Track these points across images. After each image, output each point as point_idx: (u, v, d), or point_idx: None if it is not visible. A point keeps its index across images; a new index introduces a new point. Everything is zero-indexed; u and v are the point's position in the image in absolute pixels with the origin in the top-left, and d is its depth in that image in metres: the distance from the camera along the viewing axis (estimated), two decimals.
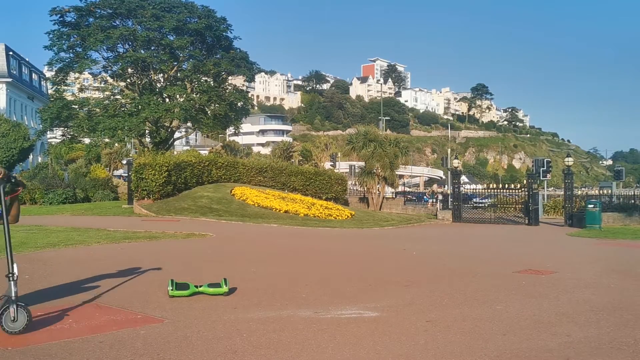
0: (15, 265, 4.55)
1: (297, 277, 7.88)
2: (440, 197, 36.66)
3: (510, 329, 4.97)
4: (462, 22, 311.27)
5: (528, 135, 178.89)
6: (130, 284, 6.93)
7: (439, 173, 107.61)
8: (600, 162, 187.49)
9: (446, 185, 58.40)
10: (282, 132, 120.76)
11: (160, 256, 9.68)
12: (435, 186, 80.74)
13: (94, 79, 36.56)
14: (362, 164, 34.91)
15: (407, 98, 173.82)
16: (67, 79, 32.04)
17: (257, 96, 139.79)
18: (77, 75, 32.28)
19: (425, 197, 48.08)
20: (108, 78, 34.47)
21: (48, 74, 43.60)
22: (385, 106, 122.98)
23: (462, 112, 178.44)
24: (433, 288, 7.08)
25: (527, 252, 12.15)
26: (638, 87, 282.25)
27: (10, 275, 4.49)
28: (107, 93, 32.88)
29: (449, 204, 27.65)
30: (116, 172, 47.98)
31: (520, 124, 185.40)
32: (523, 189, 25.31)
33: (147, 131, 33.04)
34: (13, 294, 4.42)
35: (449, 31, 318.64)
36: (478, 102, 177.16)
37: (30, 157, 43.46)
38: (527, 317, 5.48)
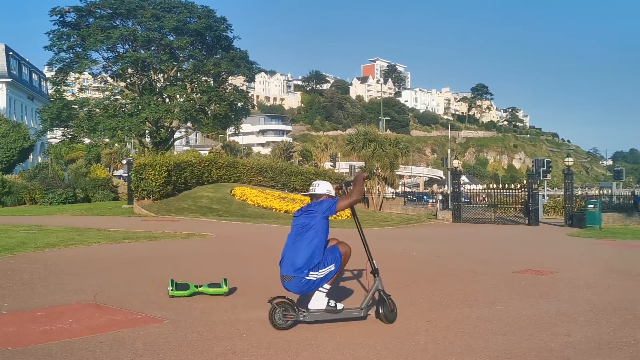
0: (374, 262, 5.25)
1: None
2: (440, 197, 36.64)
3: (511, 329, 4.97)
4: (462, 22, 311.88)
5: (528, 136, 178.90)
6: (130, 284, 6.93)
7: (439, 173, 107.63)
8: (600, 162, 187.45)
9: (446, 185, 58.38)
10: (282, 132, 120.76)
11: (160, 256, 9.68)
12: (435, 186, 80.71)
13: (94, 79, 36.60)
14: (362, 164, 34.91)
15: (407, 98, 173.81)
16: (67, 79, 32.08)
17: (257, 96, 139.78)
18: (77, 75, 32.30)
19: (425, 197, 48.09)
20: (108, 78, 34.51)
21: (48, 74, 43.60)
22: (385, 106, 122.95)
23: (462, 112, 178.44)
24: (433, 288, 7.07)
25: (527, 252, 12.14)
26: (638, 87, 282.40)
27: (375, 270, 5.22)
28: (107, 93, 32.89)
29: (449, 204, 27.63)
30: (116, 172, 47.97)
31: (520, 124, 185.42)
32: (523, 189, 25.29)
33: (147, 131, 33.06)
34: (382, 287, 5.15)
35: (449, 31, 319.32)
36: (478, 102, 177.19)
37: (30, 157, 43.46)
38: (527, 317, 5.48)
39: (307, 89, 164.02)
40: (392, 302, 5.12)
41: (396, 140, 35.43)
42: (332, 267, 4.99)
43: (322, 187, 5.28)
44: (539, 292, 6.86)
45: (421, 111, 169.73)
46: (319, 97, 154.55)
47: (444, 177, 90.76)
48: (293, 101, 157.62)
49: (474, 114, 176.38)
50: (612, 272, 8.80)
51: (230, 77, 36.08)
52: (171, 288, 6.03)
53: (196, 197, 21.35)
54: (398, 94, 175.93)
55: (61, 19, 30.66)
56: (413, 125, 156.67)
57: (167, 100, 32.19)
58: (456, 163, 28.27)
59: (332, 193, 5.27)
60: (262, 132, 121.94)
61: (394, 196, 39.37)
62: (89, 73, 34.73)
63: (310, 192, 5.27)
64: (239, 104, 36.37)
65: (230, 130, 43.52)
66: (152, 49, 31.72)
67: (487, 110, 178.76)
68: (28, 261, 8.47)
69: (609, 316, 5.56)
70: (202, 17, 31.92)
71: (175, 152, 41.67)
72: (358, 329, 4.90)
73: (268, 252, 10.99)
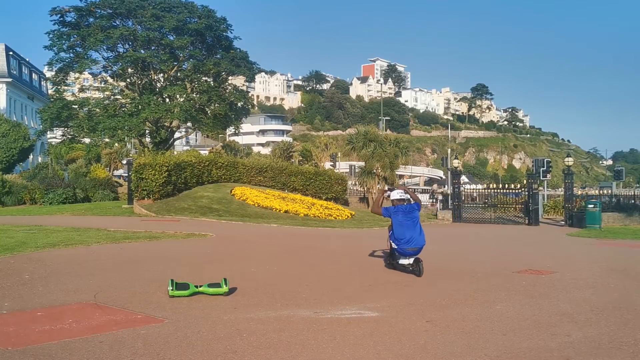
0: None
1: (297, 277, 7.88)
2: (440, 197, 36.63)
3: (510, 329, 4.97)
4: (462, 22, 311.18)
5: (528, 135, 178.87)
6: (130, 283, 6.93)
7: (439, 173, 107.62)
8: (600, 162, 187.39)
9: (446, 185, 58.34)
10: (282, 132, 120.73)
11: (161, 256, 9.68)
12: (435, 186, 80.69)
13: (94, 79, 36.57)
14: (362, 164, 34.92)
15: (407, 98, 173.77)
16: (67, 79, 32.03)
17: (257, 96, 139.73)
18: (77, 75, 32.27)
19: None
20: (108, 78, 34.48)
21: (48, 74, 43.57)
22: (385, 106, 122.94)
23: (462, 112, 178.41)
24: (433, 288, 7.08)
25: (527, 252, 12.15)
26: (638, 87, 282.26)
27: None
28: (107, 93, 32.86)
29: (449, 204, 27.61)
30: (116, 172, 47.95)
31: (520, 124, 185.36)
32: (523, 189, 25.28)
33: (147, 131, 33.03)
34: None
35: (449, 31, 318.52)
36: (478, 102, 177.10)
37: (30, 157, 43.44)
38: (527, 317, 5.48)
39: (307, 89, 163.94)
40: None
41: (396, 140, 35.47)
42: None
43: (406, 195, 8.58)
44: (539, 292, 6.86)
45: (421, 111, 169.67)
46: (319, 97, 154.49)
47: (444, 177, 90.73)
48: (293, 101, 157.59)
49: (474, 114, 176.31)
50: (612, 272, 8.80)
51: (230, 77, 36.04)
52: (171, 288, 6.03)
53: (196, 197, 21.35)
54: (398, 94, 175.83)
55: (61, 18, 30.61)
56: (413, 125, 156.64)
57: (167, 100, 32.15)
58: (456, 163, 28.25)
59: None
60: (262, 132, 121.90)
61: None
62: (89, 73, 34.70)
63: (404, 198, 8.45)
64: (239, 104, 36.34)
65: (230, 130, 43.46)
66: (152, 48, 31.69)
67: (487, 110, 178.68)
68: (28, 261, 8.47)
69: (609, 316, 5.56)
70: (202, 17, 31.88)
71: (175, 152, 41.68)
72: (358, 329, 4.90)
73: (268, 252, 10.99)
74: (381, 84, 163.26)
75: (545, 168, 30.69)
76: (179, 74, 33.02)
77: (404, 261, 8.10)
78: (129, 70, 32.35)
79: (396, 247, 8.13)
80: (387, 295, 6.57)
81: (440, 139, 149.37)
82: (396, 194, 8.51)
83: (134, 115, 29.73)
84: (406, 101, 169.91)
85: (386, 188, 9.38)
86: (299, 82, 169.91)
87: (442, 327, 5.01)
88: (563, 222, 23.46)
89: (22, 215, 19.52)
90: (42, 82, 56.79)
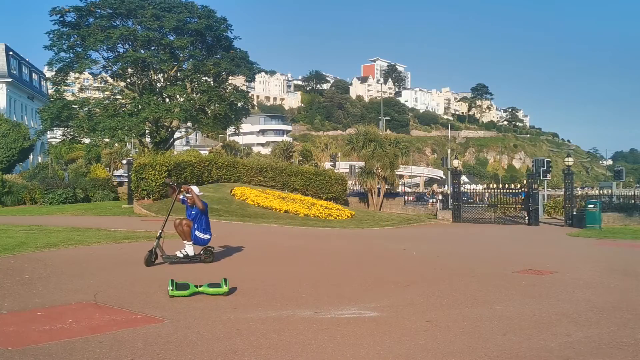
0: (163, 231, 8.76)
1: (297, 277, 7.88)
2: (441, 197, 36.61)
3: (510, 329, 4.97)
4: (462, 22, 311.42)
5: (528, 135, 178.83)
6: (130, 283, 6.93)
7: (439, 173, 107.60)
8: (600, 162, 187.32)
9: (446, 185, 58.36)
10: (282, 132, 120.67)
11: None
12: (435, 186, 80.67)
13: (94, 79, 36.56)
14: (362, 164, 34.89)
15: (407, 98, 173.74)
16: (67, 79, 32.01)
17: (257, 96, 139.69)
18: (77, 75, 32.25)
19: (425, 196, 48.09)
20: (108, 78, 34.47)
21: (48, 74, 43.52)
22: (385, 106, 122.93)
23: (462, 112, 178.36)
24: (433, 288, 7.07)
25: (527, 252, 12.14)
26: (638, 87, 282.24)
27: (159, 237, 8.53)
28: (107, 93, 32.87)
29: (449, 204, 27.60)
30: (116, 172, 47.93)
31: (520, 124, 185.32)
32: (523, 189, 25.29)
33: (147, 131, 33.01)
34: (158, 245, 8.47)
35: (449, 31, 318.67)
36: (478, 102, 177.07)
37: (30, 157, 43.44)
38: (527, 317, 5.48)
39: (307, 89, 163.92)
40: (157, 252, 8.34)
41: (396, 140, 35.45)
42: None
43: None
44: (539, 292, 6.86)
45: (421, 111, 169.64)
46: (319, 97, 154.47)
47: (444, 177, 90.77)
48: (293, 101, 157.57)
49: (474, 114, 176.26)
50: (612, 272, 8.80)
51: (230, 77, 36.02)
52: (171, 288, 6.03)
53: None
54: (398, 94, 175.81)
55: (61, 18, 30.60)
56: (413, 125, 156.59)
57: (167, 100, 32.15)
58: (456, 163, 28.24)
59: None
60: (262, 132, 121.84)
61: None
62: (89, 73, 34.68)
63: (201, 194, 8.80)
64: (239, 104, 36.32)
65: (230, 130, 43.43)
66: (152, 48, 31.67)
67: (487, 110, 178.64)
68: (28, 261, 8.47)
69: (609, 316, 5.56)
70: (203, 17, 31.88)
71: (175, 152, 41.65)
72: (358, 329, 4.90)
73: (268, 252, 10.99)
74: (381, 84, 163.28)
75: (545, 168, 30.68)
76: (179, 74, 33.00)
77: (196, 251, 8.80)
78: (129, 70, 32.33)
79: (209, 237, 8.70)
80: (387, 295, 6.57)
81: (440, 139, 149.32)
82: (198, 190, 8.91)
83: (134, 115, 29.71)
84: (406, 101, 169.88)
85: (169, 181, 9.64)
86: (299, 82, 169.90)
87: (442, 327, 5.01)
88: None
89: (22, 215, 19.52)
90: (42, 82, 56.77)
